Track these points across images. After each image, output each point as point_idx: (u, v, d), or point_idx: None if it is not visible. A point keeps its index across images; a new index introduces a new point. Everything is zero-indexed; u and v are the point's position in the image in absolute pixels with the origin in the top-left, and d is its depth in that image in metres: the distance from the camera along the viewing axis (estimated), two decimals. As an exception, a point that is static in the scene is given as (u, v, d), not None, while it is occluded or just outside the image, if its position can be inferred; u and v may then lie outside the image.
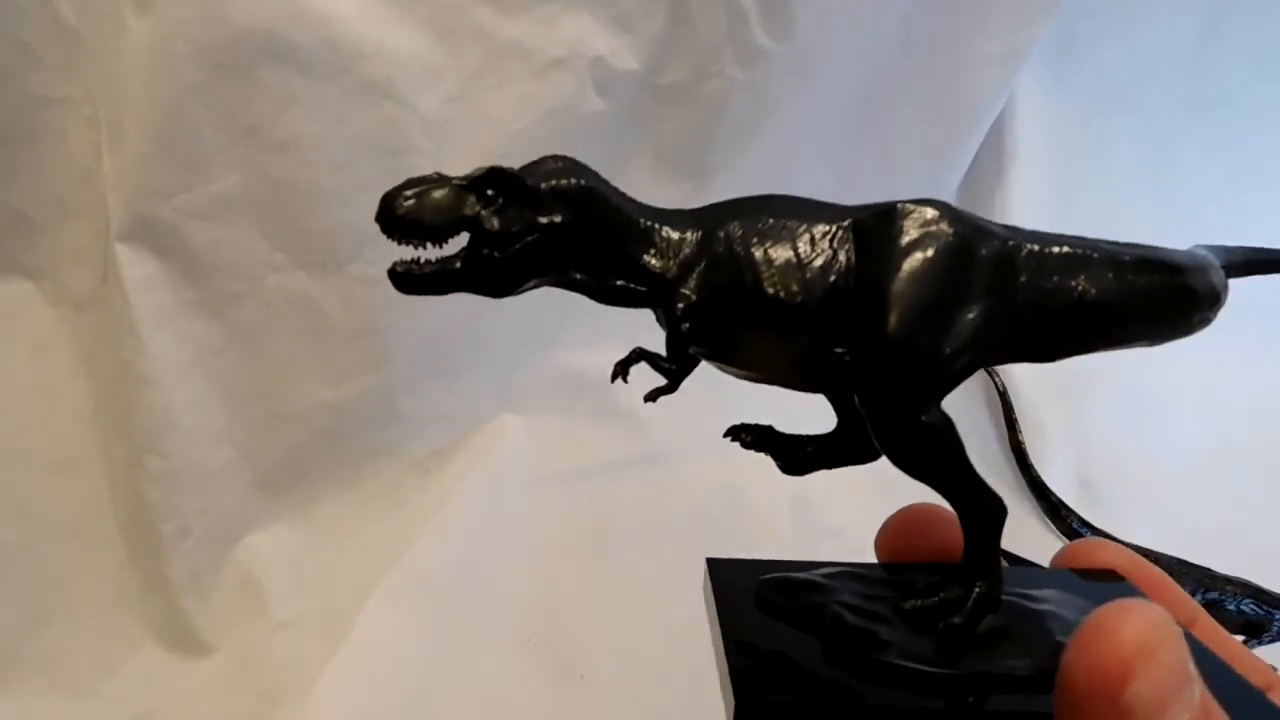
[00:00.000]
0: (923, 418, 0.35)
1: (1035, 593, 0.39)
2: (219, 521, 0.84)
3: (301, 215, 0.81)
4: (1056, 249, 0.37)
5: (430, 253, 0.35)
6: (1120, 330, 0.38)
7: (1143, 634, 0.26)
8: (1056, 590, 0.39)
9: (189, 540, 0.82)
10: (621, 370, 0.38)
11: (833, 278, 0.36)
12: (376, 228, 0.81)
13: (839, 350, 0.36)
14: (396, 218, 0.34)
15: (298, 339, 0.85)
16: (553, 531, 0.86)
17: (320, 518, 0.88)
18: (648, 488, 0.91)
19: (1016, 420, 0.97)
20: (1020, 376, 1.01)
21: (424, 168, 0.82)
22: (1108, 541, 0.43)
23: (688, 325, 0.36)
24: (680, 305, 0.36)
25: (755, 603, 0.39)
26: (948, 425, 0.35)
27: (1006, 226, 0.37)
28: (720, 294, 0.36)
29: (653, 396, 0.37)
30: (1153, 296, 0.38)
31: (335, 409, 0.88)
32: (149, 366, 0.79)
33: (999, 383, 0.96)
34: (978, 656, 0.35)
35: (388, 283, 0.86)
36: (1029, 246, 0.36)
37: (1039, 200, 1.05)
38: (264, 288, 0.82)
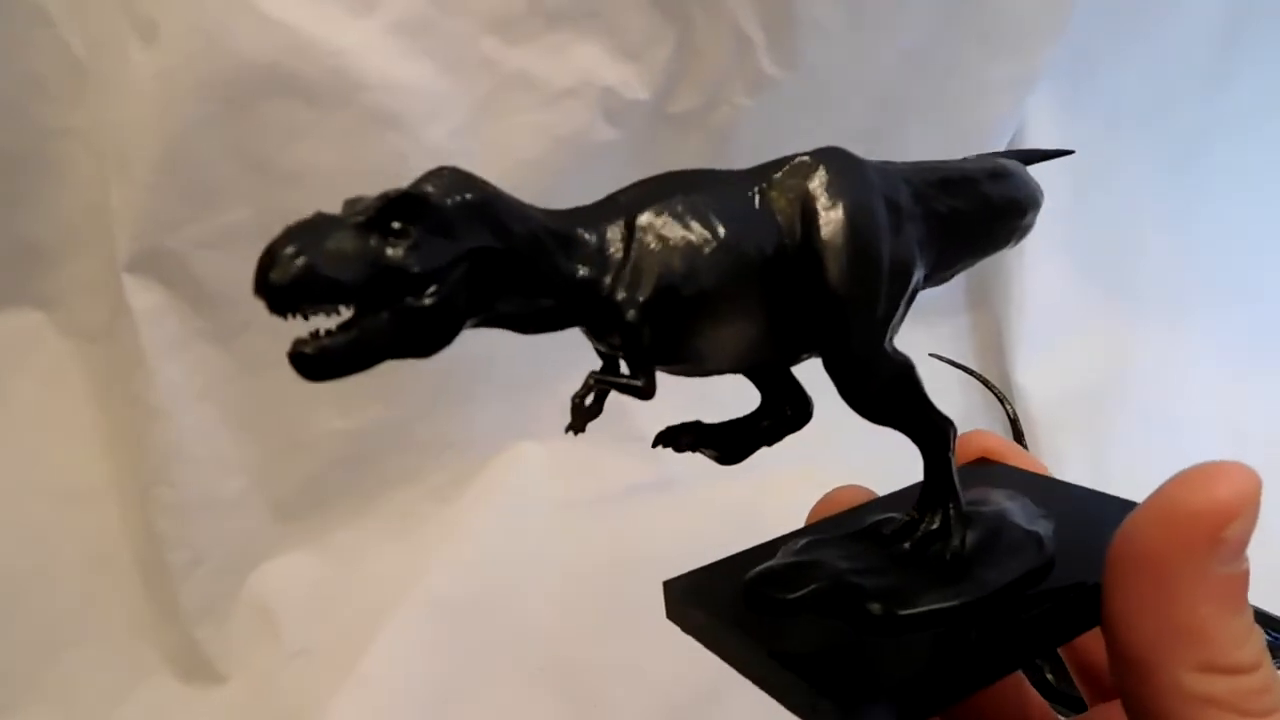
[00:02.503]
0: (883, 363, 0.35)
1: (970, 497, 0.40)
2: (232, 551, 0.84)
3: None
4: (932, 176, 0.39)
5: (328, 321, 0.29)
6: (990, 240, 0.42)
7: (1249, 485, 0.30)
8: (975, 489, 0.41)
9: (201, 570, 0.82)
10: (580, 405, 0.34)
11: (768, 245, 0.35)
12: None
13: (787, 317, 0.35)
14: (292, 283, 0.28)
15: (309, 367, 0.85)
16: (569, 558, 0.86)
17: (334, 546, 0.88)
18: (664, 513, 0.90)
19: (1027, 446, 0.96)
20: (1033, 403, 1.00)
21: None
22: (979, 430, 0.48)
23: (648, 331, 0.33)
24: (632, 312, 0.32)
25: (748, 604, 0.37)
26: (908, 365, 0.36)
27: (887, 162, 0.38)
28: (665, 290, 0.33)
29: (577, 427, 0.35)
30: (1009, 202, 0.41)
31: (349, 437, 0.88)
32: (159, 397, 0.80)
33: (1010, 409, 0.95)
34: (990, 571, 0.35)
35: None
36: (917, 178, 0.38)
37: (1053, 223, 1.05)
38: (273, 316, 0.82)
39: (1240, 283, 1.09)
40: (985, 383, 0.96)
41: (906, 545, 0.37)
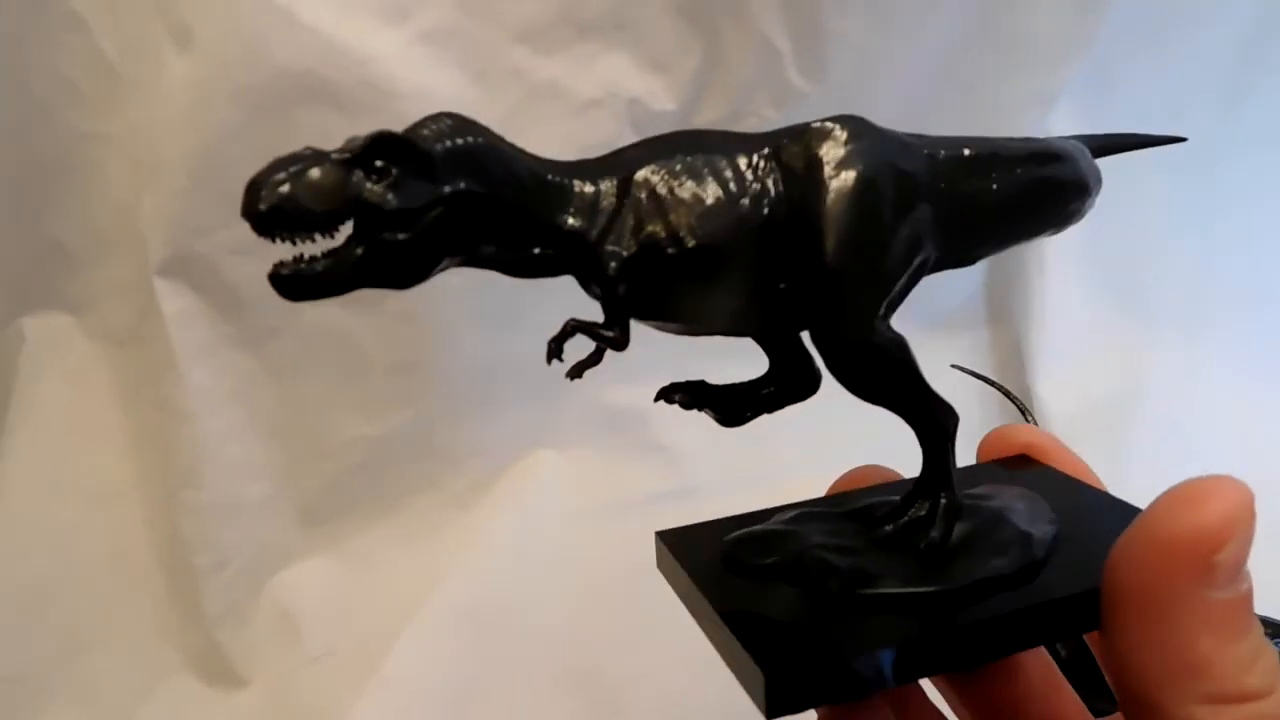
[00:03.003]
0: (875, 340, 0.34)
1: (980, 491, 0.40)
2: (255, 554, 0.85)
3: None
4: (967, 151, 0.37)
5: (316, 246, 0.30)
6: (1029, 223, 0.40)
7: (1239, 503, 0.29)
8: (996, 485, 0.41)
9: (225, 573, 0.82)
10: (556, 349, 0.34)
11: (766, 210, 0.34)
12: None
13: (781, 285, 0.35)
14: (271, 209, 0.29)
15: (334, 373, 0.86)
16: (588, 566, 0.86)
17: (356, 551, 0.89)
18: (684, 521, 0.90)
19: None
20: (1053, 416, 1.00)
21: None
22: (1020, 425, 0.47)
23: (624, 287, 0.33)
24: (613, 264, 0.33)
25: (726, 566, 0.38)
26: (901, 343, 0.35)
27: (914, 135, 0.37)
28: (651, 246, 0.34)
29: (578, 371, 0.35)
30: (1053, 186, 0.39)
31: (372, 443, 0.88)
32: (187, 400, 0.80)
33: (1032, 421, 0.95)
34: (963, 565, 0.35)
35: (425, 318, 0.87)
36: (943, 152, 0.37)
37: (1073, 237, 1.05)
38: (301, 323, 0.83)
39: (1259, 297, 1.09)
40: (1007, 394, 0.95)
41: (889, 529, 0.37)
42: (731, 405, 0.39)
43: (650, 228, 0.34)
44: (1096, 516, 0.39)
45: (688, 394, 0.39)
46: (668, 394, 0.40)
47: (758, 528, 0.40)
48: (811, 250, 0.34)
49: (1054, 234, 0.41)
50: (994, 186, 0.37)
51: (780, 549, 0.37)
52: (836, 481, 0.46)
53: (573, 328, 0.34)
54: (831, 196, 0.34)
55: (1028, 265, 1.02)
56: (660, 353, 0.97)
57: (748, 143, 0.36)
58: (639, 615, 0.81)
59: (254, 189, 0.29)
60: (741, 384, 0.40)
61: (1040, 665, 0.41)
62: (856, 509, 0.40)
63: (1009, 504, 0.38)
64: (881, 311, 0.34)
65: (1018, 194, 0.38)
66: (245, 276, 0.81)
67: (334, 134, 0.82)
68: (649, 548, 0.89)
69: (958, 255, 0.38)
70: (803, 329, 0.36)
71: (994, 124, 0.97)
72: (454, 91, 0.80)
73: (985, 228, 0.38)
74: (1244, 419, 1.05)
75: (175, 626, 0.82)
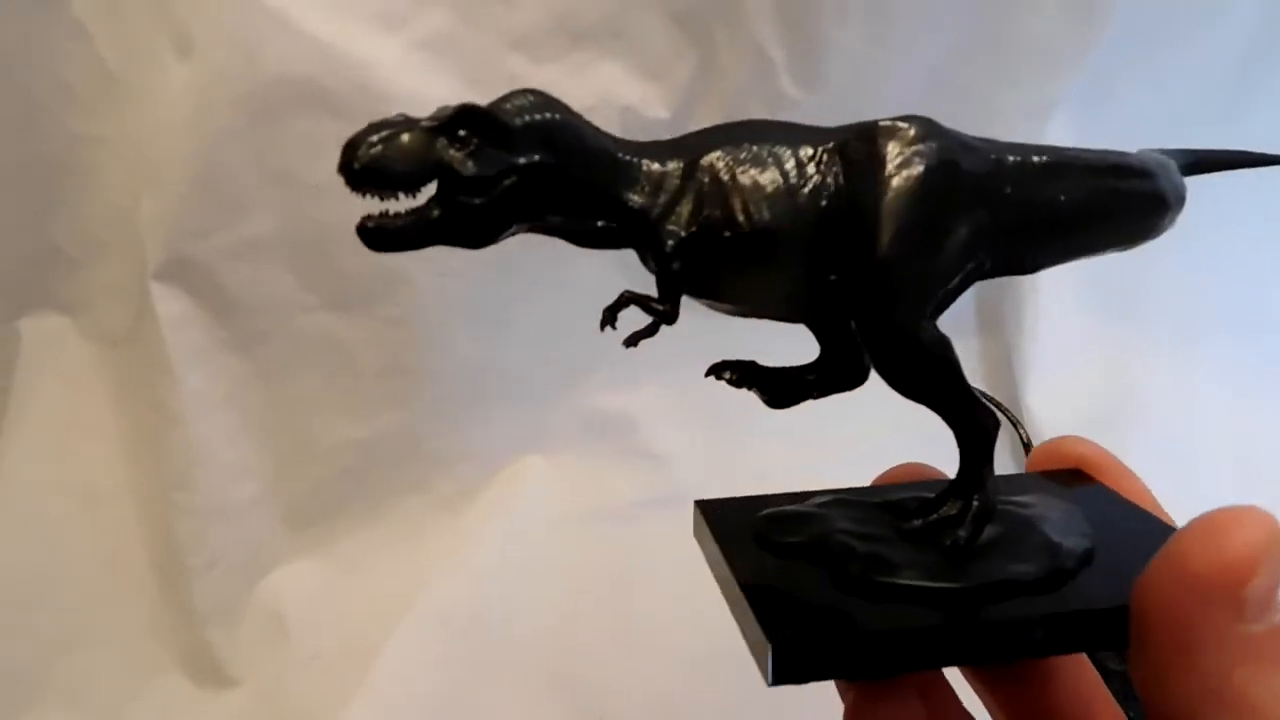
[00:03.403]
0: (920, 335, 0.35)
1: (1020, 499, 0.39)
2: (245, 556, 0.85)
3: (332, 257, 0.82)
4: (1037, 159, 0.37)
5: (401, 204, 0.33)
6: (1098, 236, 0.39)
7: (1266, 534, 0.27)
8: (1038, 494, 0.40)
9: (215, 573, 0.83)
10: (610, 317, 0.35)
11: (824, 202, 0.35)
12: (405, 269, 0.82)
13: (832, 277, 0.35)
14: (362, 168, 0.32)
15: (326, 377, 0.86)
16: (576, 571, 0.86)
17: (345, 553, 0.89)
18: (672, 528, 0.90)
19: (1039, 474, 0.96)
20: (1043, 428, 1.00)
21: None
22: (1075, 436, 0.45)
23: (678, 264, 0.35)
24: (670, 243, 0.35)
25: (756, 541, 0.39)
26: (944, 342, 0.35)
27: (984, 140, 0.37)
28: (708, 228, 0.35)
29: (634, 340, 0.36)
30: (1127, 200, 0.38)
31: (362, 446, 0.89)
32: (181, 403, 0.81)
33: (1023, 434, 0.95)
34: (984, 567, 0.35)
35: (415, 323, 0.87)
36: (1011, 158, 0.37)
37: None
38: (294, 327, 0.84)
39: (1252, 310, 1.09)
40: (999, 406, 0.95)
41: (917, 523, 0.37)
42: (780, 388, 0.40)
43: (709, 211, 0.35)
44: (1137, 537, 0.37)
45: (738, 372, 0.40)
46: (719, 370, 0.40)
47: (791, 507, 0.41)
48: (865, 243, 0.34)
49: (1125, 249, 0.40)
50: (1061, 196, 0.37)
51: (808, 529, 0.38)
52: (881, 475, 0.45)
53: (628, 299, 0.35)
54: (891, 192, 0.34)
55: (1019, 276, 1.02)
56: (650, 362, 0.98)
57: (814, 135, 0.36)
58: (626, 620, 0.81)
59: (350, 148, 0.32)
60: (791, 368, 0.41)
61: (1078, 675, 0.41)
62: (891, 501, 0.40)
63: (1044, 513, 0.38)
64: (929, 309, 0.35)
65: (1087, 206, 0.37)
66: (239, 281, 0.81)
67: (331, 141, 0.82)
68: (636, 554, 0.90)
69: (1017, 263, 0.38)
70: (850, 320, 0.37)
71: (989, 134, 0.97)
72: (449, 98, 0.80)
73: (1048, 238, 0.38)
74: (1237, 432, 1.05)
75: (166, 626, 0.82)
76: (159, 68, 0.78)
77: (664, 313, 0.35)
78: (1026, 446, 0.95)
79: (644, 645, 0.81)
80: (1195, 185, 1.09)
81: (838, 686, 0.39)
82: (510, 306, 0.89)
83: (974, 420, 0.36)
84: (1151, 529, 0.39)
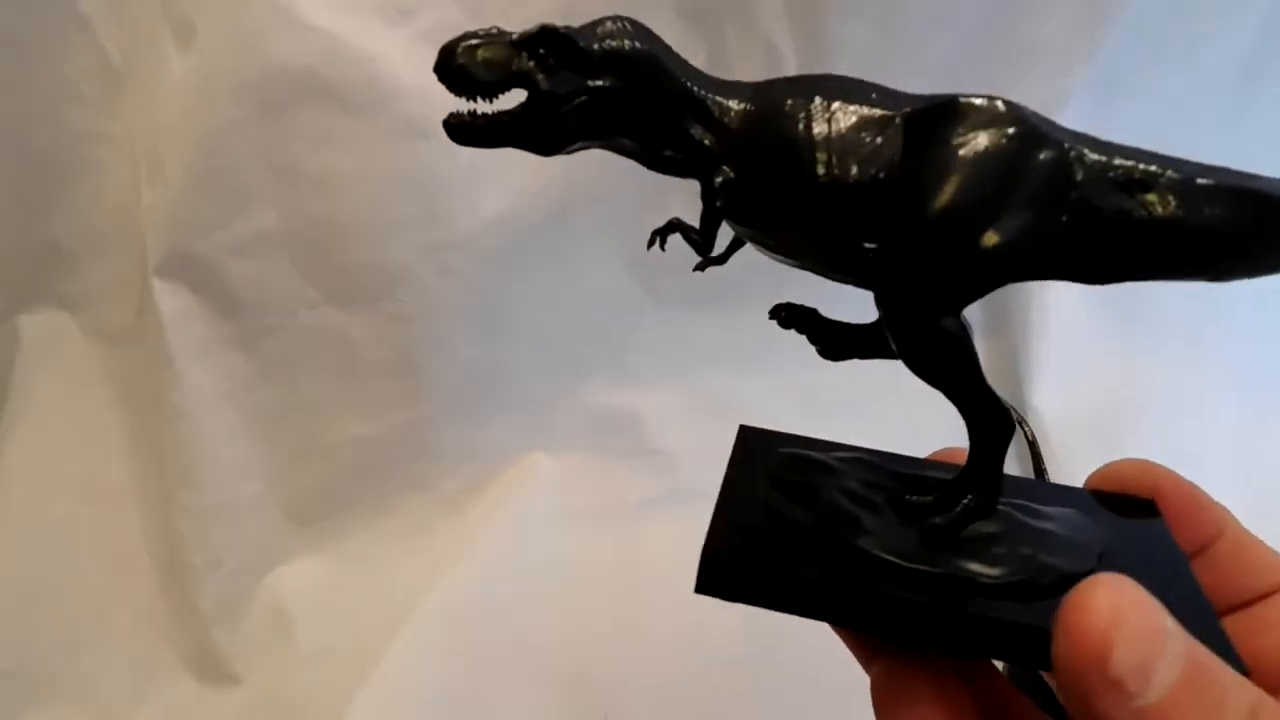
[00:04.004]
0: (941, 321, 0.34)
1: (1046, 509, 0.39)
2: (249, 553, 0.85)
3: (336, 252, 0.82)
4: (1122, 162, 0.34)
5: (486, 108, 0.36)
6: (1178, 262, 0.35)
7: (1111, 605, 0.27)
8: (1075, 511, 0.40)
9: (220, 572, 0.82)
10: (660, 238, 0.39)
11: (876, 168, 0.35)
12: (410, 265, 0.82)
13: (868, 245, 0.35)
14: (450, 69, 0.35)
15: (330, 374, 0.86)
16: (581, 569, 0.86)
17: (349, 551, 0.89)
18: (676, 526, 0.90)
19: (1045, 470, 0.96)
20: (1049, 430, 1.00)
21: (459, 207, 0.83)
22: (1157, 466, 0.43)
23: (720, 202, 0.36)
24: (717, 180, 0.36)
25: (766, 471, 0.40)
26: (964, 334, 0.35)
27: (1074, 133, 0.35)
28: (759, 170, 0.36)
29: (700, 266, 0.38)
30: (1225, 228, 0.34)
31: (366, 443, 0.88)
32: (183, 399, 0.80)
33: (1029, 432, 0.95)
34: (949, 558, 0.35)
35: (421, 320, 0.87)
36: (1092, 157, 0.34)
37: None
38: (298, 323, 0.83)
39: (1260, 311, 1.09)
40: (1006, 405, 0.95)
41: (911, 499, 0.38)
42: (833, 339, 0.40)
43: (763, 152, 0.36)
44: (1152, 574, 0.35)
45: (790, 313, 0.41)
46: (777, 310, 0.41)
47: (812, 453, 0.41)
48: (906, 219, 0.34)
49: (1214, 281, 0.36)
50: (1141, 208, 0.34)
51: (813, 476, 0.39)
52: (933, 453, 0.45)
53: (675, 225, 0.39)
54: (950, 163, 0.34)
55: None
56: (656, 360, 0.98)
57: (891, 100, 0.36)
58: (632, 618, 0.81)
59: (444, 53, 0.35)
60: (849, 325, 0.41)
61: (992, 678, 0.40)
62: (912, 475, 0.40)
63: (1053, 529, 0.37)
64: (955, 297, 0.34)
65: (1174, 223, 0.34)
66: (242, 277, 0.81)
67: (336, 134, 0.82)
68: (641, 552, 0.89)
69: (1083, 269, 0.36)
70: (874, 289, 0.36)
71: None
72: (456, 93, 0.80)
73: (1122, 249, 0.35)
74: (1244, 435, 1.05)
75: (169, 624, 0.82)
76: (161, 60, 0.77)
77: (698, 244, 0.37)
78: (1032, 445, 0.95)
79: (649, 643, 0.81)
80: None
81: (859, 658, 0.39)
82: (516, 304, 0.89)
83: (986, 418, 0.36)
84: (1183, 585, 0.36)
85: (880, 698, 0.39)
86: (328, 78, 0.77)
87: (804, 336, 0.41)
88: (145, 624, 0.82)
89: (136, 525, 0.84)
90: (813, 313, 0.40)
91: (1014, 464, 1.02)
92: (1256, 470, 1.02)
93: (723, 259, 0.39)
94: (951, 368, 0.35)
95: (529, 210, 0.85)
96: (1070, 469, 0.99)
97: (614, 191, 0.84)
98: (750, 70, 0.87)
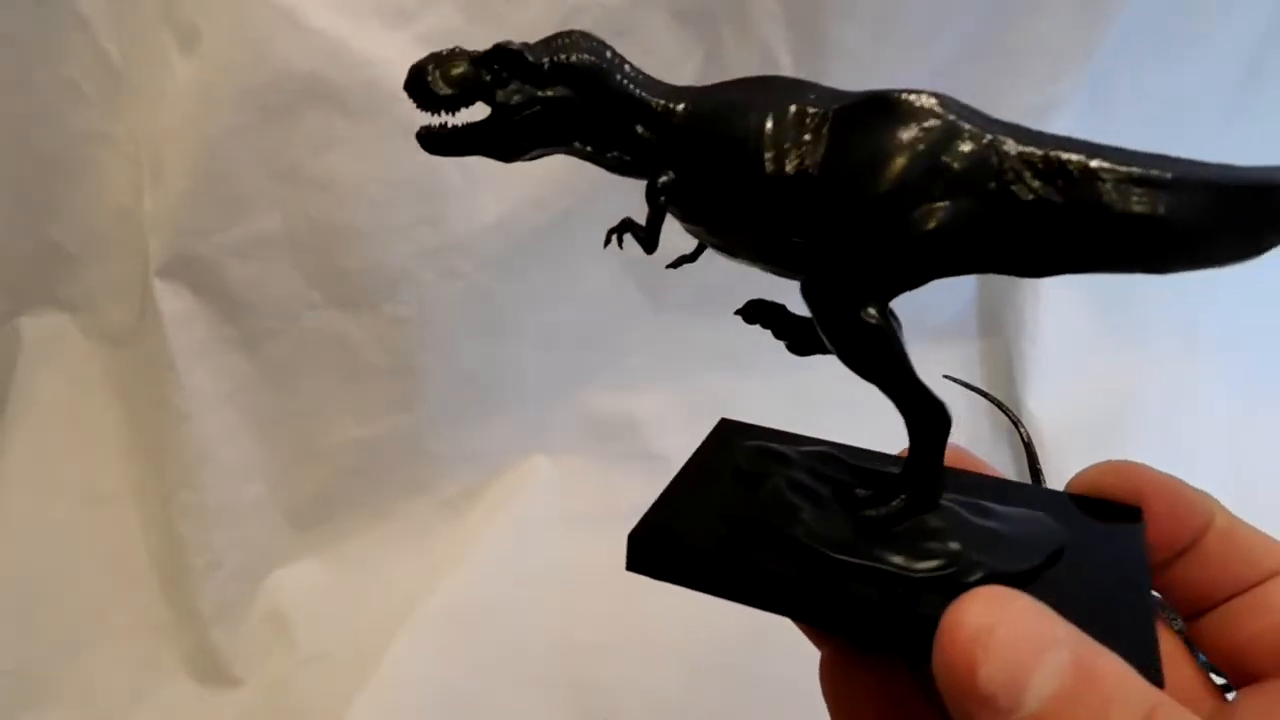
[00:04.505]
0: (863, 313, 0.34)
1: (999, 509, 0.39)
2: (249, 556, 0.85)
3: (338, 255, 0.82)
4: (1045, 151, 0.34)
5: (455, 120, 0.38)
6: (1113, 250, 0.34)
7: (975, 619, 0.27)
8: (1036, 512, 0.39)
9: (220, 573, 0.82)
10: (616, 236, 0.40)
11: (803, 162, 0.35)
12: (411, 268, 0.83)
13: (796, 239, 0.36)
14: (416, 86, 0.38)
15: (330, 376, 0.86)
16: (579, 572, 0.86)
17: (349, 553, 0.89)
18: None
19: (1041, 470, 0.96)
20: (1043, 429, 1.00)
21: (460, 210, 0.83)
22: (1123, 464, 0.42)
23: (662, 199, 0.38)
24: (660, 180, 0.38)
25: (731, 463, 0.42)
26: (889, 326, 0.35)
27: (1002, 124, 0.35)
28: (704, 167, 0.38)
29: (673, 265, 0.42)
30: (1157, 217, 0.33)
31: (366, 446, 0.89)
32: (184, 401, 0.80)
33: (1024, 433, 0.95)
34: (876, 549, 0.35)
35: (421, 323, 0.87)
36: (1015, 147, 0.34)
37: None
38: (299, 325, 0.84)
39: (1254, 311, 1.09)
40: (1000, 406, 0.95)
41: (858, 492, 0.38)
42: (800, 336, 0.41)
43: (701, 148, 0.38)
44: (1093, 598, 0.35)
45: (757, 309, 0.42)
46: (746, 310, 0.43)
47: (775, 445, 0.42)
48: (835, 204, 0.35)
49: (1151, 272, 0.35)
50: (1063, 200, 0.33)
51: (767, 466, 0.40)
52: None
53: (626, 224, 0.40)
54: (872, 157, 0.34)
55: (1019, 279, 1.02)
56: (655, 364, 0.98)
57: (825, 97, 0.37)
58: (630, 621, 0.81)
59: (412, 72, 0.38)
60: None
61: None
62: (868, 469, 0.41)
63: (996, 529, 0.37)
64: (878, 290, 0.35)
65: (1095, 217, 0.34)
66: (243, 278, 0.81)
67: (336, 136, 0.83)
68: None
69: (1013, 264, 0.36)
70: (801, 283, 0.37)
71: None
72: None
73: (1046, 243, 0.35)
74: (1236, 435, 1.05)
75: (169, 626, 0.82)
76: (163, 63, 0.77)
77: (644, 241, 0.39)
78: (1027, 446, 0.96)
79: (648, 646, 0.81)
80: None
81: (810, 639, 0.40)
82: (515, 308, 0.89)
83: (919, 412, 0.36)
84: (1117, 595, 0.36)
85: (825, 676, 0.40)
86: (329, 81, 0.77)
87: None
88: (145, 625, 0.82)
89: (137, 527, 0.84)
90: (780, 309, 0.41)
91: (1010, 465, 1.02)
92: (1248, 466, 1.03)
93: (693, 257, 0.42)
94: (877, 360, 0.35)
95: (529, 214, 0.86)
96: (1066, 469, 0.99)
97: (613, 196, 0.84)
98: (747, 73, 0.87)
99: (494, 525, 0.89)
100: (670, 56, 0.86)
